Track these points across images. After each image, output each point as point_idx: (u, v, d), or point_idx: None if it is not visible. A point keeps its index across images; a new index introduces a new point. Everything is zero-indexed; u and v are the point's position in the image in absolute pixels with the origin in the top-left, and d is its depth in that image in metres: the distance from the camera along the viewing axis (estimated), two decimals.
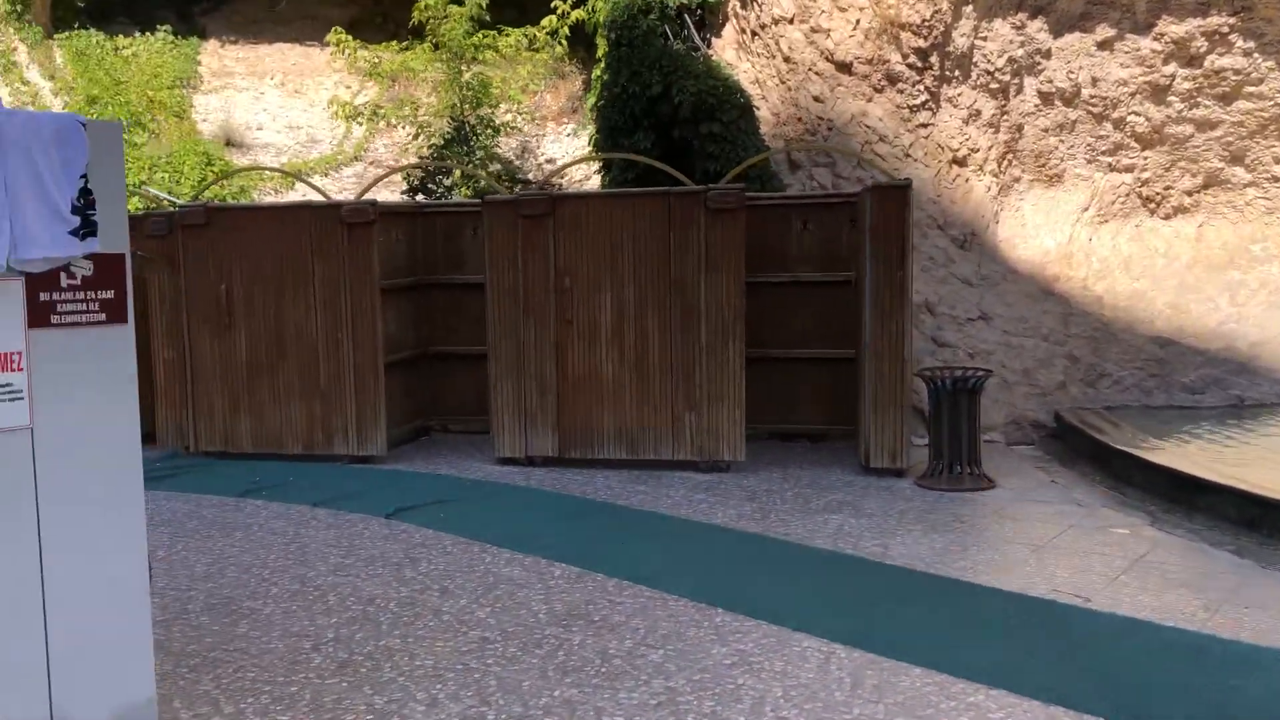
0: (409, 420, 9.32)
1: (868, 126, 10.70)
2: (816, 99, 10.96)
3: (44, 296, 3.40)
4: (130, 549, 3.63)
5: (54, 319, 3.42)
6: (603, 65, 11.35)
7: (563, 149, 14.26)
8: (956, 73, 10.59)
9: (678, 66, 10.46)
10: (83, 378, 3.49)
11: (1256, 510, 6.53)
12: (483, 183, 11.64)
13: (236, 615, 5.18)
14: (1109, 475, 7.92)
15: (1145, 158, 10.67)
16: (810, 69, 11.01)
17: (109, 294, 3.54)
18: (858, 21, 10.69)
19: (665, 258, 7.97)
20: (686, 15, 12.03)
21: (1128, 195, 10.77)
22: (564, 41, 13.18)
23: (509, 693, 4.24)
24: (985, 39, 10.54)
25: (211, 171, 13.04)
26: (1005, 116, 10.71)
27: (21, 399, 3.36)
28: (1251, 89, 10.36)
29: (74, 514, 3.47)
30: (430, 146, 12.90)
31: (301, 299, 8.55)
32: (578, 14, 12.90)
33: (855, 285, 8.30)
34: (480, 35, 12.83)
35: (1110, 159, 10.72)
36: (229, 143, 14.37)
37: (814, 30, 10.94)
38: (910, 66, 10.57)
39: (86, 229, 3.44)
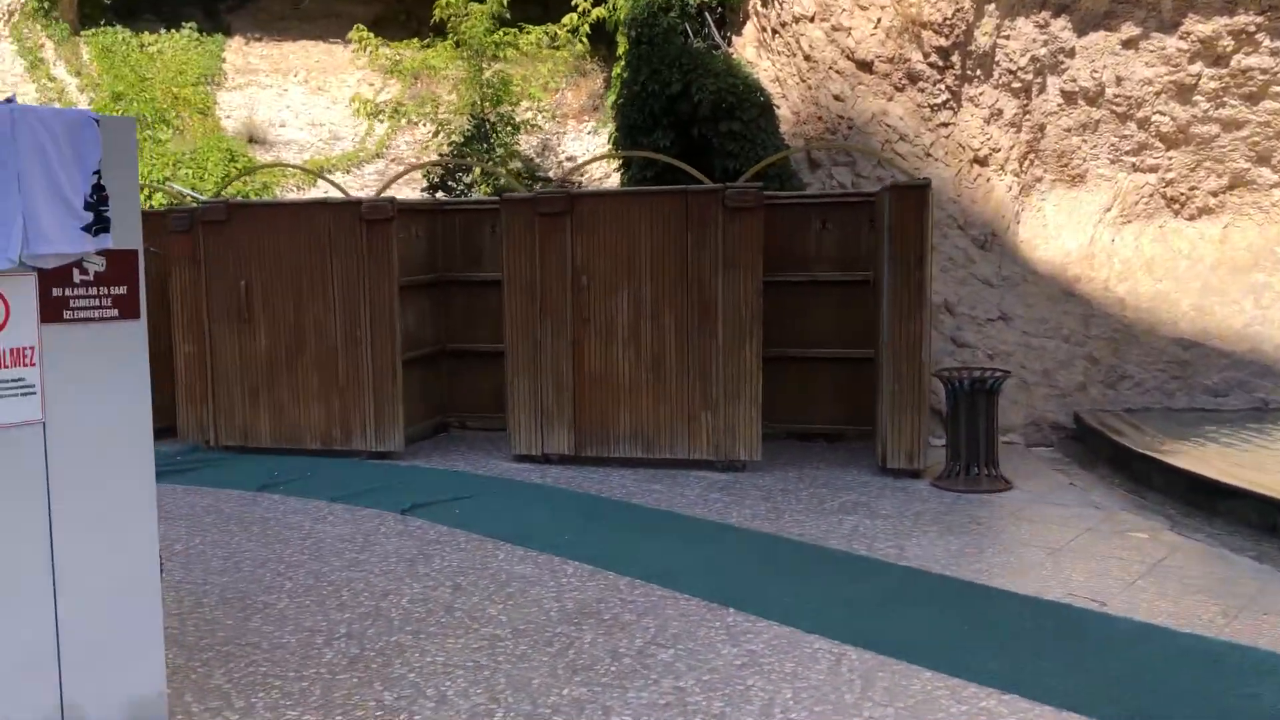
0: (427, 417, 9.35)
1: (888, 125, 10.64)
2: (837, 97, 10.91)
3: (57, 292, 3.43)
4: (141, 543, 3.65)
5: (67, 314, 3.45)
6: (623, 63, 11.34)
7: (583, 147, 14.26)
8: (978, 72, 10.52)
9: (697, 65, 10.44)
10: (95, 373, 3.51)
11: (1278, 515, 6.45)
12: (502, 180, 11.65)
13: (250, 609, 5.21)
14: (1128, 478, 7.85)
15: (1170, 158, 10.56)
16: (831, 67, 10.96)
17: (122, 289, 3.56)
18: (879, 20, 10.63)
19: (683, 256, 7.96)
20: (707, 13, 12.00)
21: (1151, 196, 10.67)
22: (585, 39, 13.18)
23: (518, 690, 4.24)
24: (1008, 37, 10.46)
25: (235, 168, 13.13)
26: (1027, 116, 10.62)
27: (34, 394, 3.38)
28: (1278, 89, 10.24)
29: (85, 508, 3.50)
30: (450, 144, 12.93)
31: (320, 295, 8.59)
32: (599, 11, 12.90)
33: (873, 285, 8.26)
34: (501, 33, 12.86)
35: (1134, 159, 10.61)
36: (252, 139, 14.46)
37: (835, 28, 10.89)
38: (931, 65, 10.51)
39: (99, 225, 3.47)
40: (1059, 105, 10.61)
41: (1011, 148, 10.64)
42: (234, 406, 8.85)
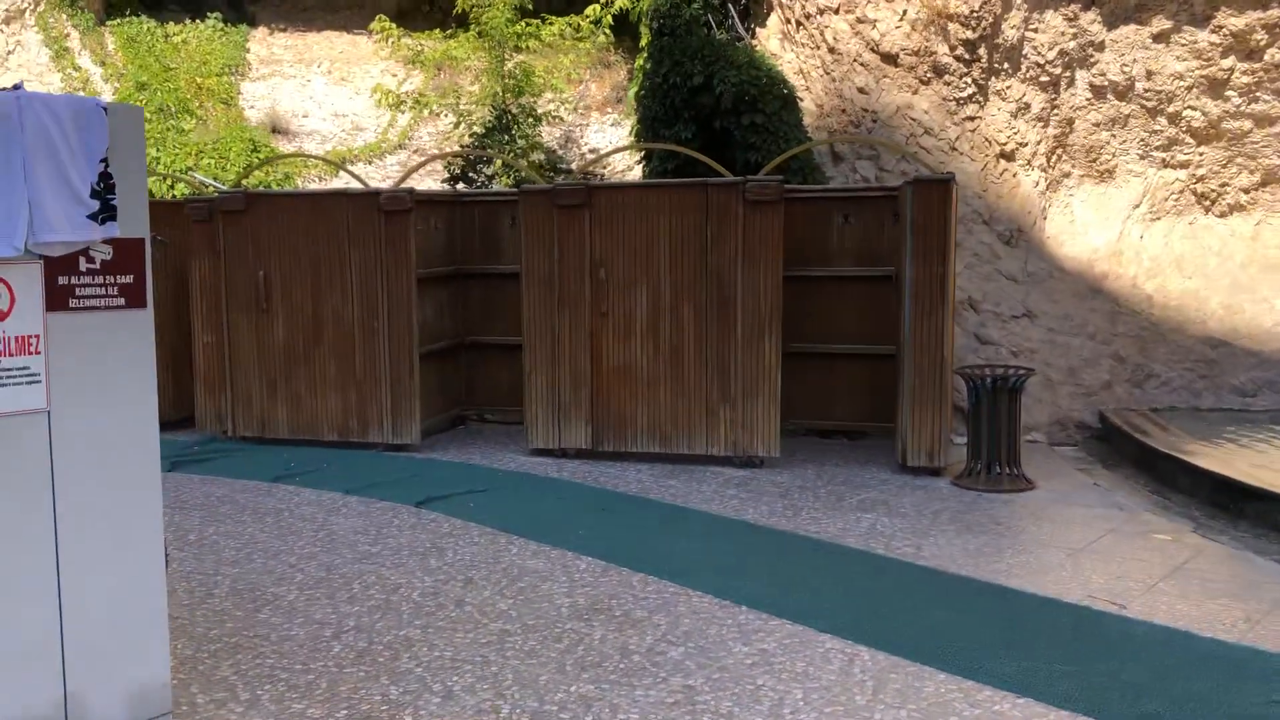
0: (444, 409, 9.32)
1: (913, 119, 10.52)
2: (861, 90, 10.80)
3: (63, 280, 3.40)
4: (146, 533, 3.63)
5: (72, 303, 3.42)
6: (645, 55, 11.27)
7: (606, 139, 14.20)
8: (1005, 65, 10.38)
9: (720, 57, 10.35)
10: (101, 362, 3.49)
11: None
12: (523, 172, 11.61)
13: (260, 601, 5.19)
14: (1153, 479, 7.73)
15: (1201, 154, 10.39)
16: (855, 60, 10.84)
17: (128, 278, 3.53)
18: (904, 12, 10.51)
19: (702, 250, 7.89)
20: (730, 5, 11.91)
21: (1181, 192, 10.49)
22: (608, 31, 13.11)
23: (525, 687, 4.20)
24: (1036, 31, 10.31)
25: (257, 158, 13.15)
26: (1055, 110, 10.47)
27: (39, 382, 3.36)
28: None
29: (90, 498, 3.48)
30: (472, 135, 12.90)
31: (338, 286, 8.58)
32: (622, 3, 12.83)
33: (896, 280, 8.16)
34: (523, 24, 12.82)
35: (1164, 155, 10.45)
36: (275, 130, 14.48)
37: (860, 21, 10.78)
38: (958, 58, 10.37)
39: (106, 213, 3.44)
40: (1088, 100, 10.45)
41: (1039, 142, 10.49)
42: (252, 397, 8.86)
